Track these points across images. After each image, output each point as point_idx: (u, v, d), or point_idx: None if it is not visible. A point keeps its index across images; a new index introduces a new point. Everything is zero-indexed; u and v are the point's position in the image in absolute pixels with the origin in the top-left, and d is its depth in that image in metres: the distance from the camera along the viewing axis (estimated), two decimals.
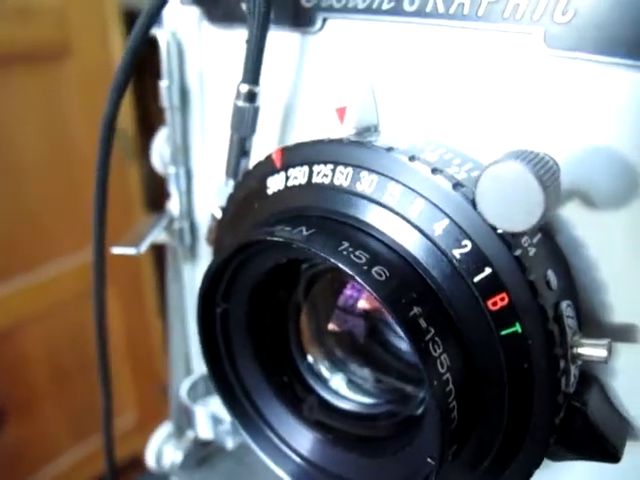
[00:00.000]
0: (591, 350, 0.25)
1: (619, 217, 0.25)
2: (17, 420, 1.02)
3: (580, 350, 0.25)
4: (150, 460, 0.47)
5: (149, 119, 1.09)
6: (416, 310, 0.23)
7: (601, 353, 0.24)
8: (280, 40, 0.31)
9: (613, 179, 0.25)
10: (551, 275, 0.25)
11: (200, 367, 0.45)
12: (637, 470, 0.28)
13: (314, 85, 0.32)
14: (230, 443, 0.39)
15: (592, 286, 0.26)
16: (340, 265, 0.23)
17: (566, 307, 0.25)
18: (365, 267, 0.23)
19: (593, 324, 0.27)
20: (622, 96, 0.24)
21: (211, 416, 0.39)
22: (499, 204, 0.21)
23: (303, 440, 0.29)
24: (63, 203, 1.00)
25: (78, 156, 0.98)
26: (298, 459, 0.29)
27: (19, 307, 1.00)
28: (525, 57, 0.25)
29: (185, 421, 0.43)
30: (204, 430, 0.40)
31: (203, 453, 0.48)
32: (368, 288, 0.22)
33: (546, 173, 0.21)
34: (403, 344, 0.31)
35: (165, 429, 0.47)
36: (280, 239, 0.24)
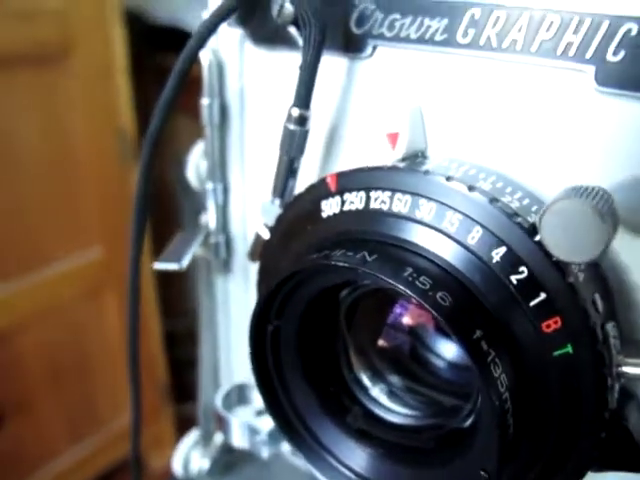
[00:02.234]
0: (634, 369, 0.26)
1: None
2: (15, 421, 1.02)
3: (624, 369, 0.26)
4: (177, 467, 0.48)
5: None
6: (478, 333, 0.24)
7: None
8: (328, 64, 0.32)
9: None
10: (598, 298, 0.26)
11: (228, 377, 0.46)
12: None
13: (361, 110, 0.33)
14: (265, 453, 0.40)
15: (632, 308, 0.28)
16: (408, 291, 0.24)
17: (611, 328, 0.26)
18: (430, 293, 0.24)
19: (633, 344, 0.28)
20: None
21: (247, 426, 0.40)
22: (563, 238, 0.22)
23: (356, 457, 0.30)
24: (62, 204, 1.00)
25: (79, 157, 0.98)
26: (352, 475, 0.30)
27: (17, 308, 0.99)
28: (576, 93, 0.26)
29: (218, 429, 0.44)
30: (239, 440, 0.41)
31: (229, 459, 0.49)
32: (435, 313, 0.24)
33: (606, 207, 0.22)
34: (441, 362, 0.32)
35: (193, 436, 0.48)
36: (346, 264, 0.25)
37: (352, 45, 0.31)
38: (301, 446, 0.31)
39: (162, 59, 1.00)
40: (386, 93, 0.32)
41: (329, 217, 0.29)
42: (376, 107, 0.32)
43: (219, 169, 0.39)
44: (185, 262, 0.37)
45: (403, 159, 0.30)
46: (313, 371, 0.32)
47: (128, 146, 0.99)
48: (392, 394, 0.34)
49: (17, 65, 0.85)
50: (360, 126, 0.33)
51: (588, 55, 0.26)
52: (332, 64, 0.32)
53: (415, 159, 0.30)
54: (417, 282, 0.25)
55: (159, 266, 0.37)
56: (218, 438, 0.48)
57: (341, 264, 0.26)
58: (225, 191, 0.40)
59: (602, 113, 0.26)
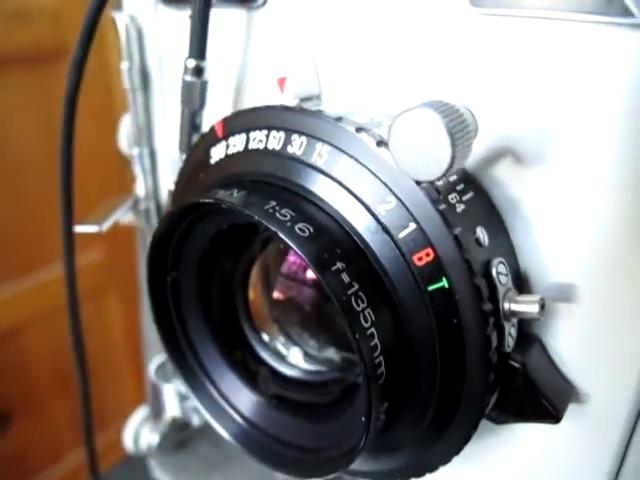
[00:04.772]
0: (523, 306, 0.25)
1: (550, 176, 0.25)
2: (22, 421, 1.02)
3: (513, 306, 0.25)
4: (128, 443, 0.48)
5: None
6: (339, 265, 0.23)
7: (533, 309, 0.24)
8: (228, 17, 0.32)
9: (541, 136, 0.25)
10: (481, 232, 0.25)
11: None
12: (580, 433, 0.27)
13: (261, 58, 0.32)
14: (196, 420, 0.40)
15: (528, 245, 0.26)
16: (263, 222, 0.23)
17: (498, 264, 0.25)
18: (288, 224, 0.23)
19: (532, 284, 0.27)
20: (544, 50, 0.24)
21: (177, 393, 0.40)
22: (410, 151, 0.21)
23: (247, 402, 0.29)
24: None
25: (77, 158, 1.00)
26: (241, 420, 0.29)
27: (23, 308, 1.01)
28: (452, 17, 0.25)
29: (155, 395, 0.43)
30: (172, 407, 0.40)
31: (180, 437, 0.49)
32: (289, 243, 0.23)
33: (455, 121, 0.21)
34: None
35: (142, 412, 0.48)
36: (210, 201, 0.25)
37: None
38: (202, 398, 0.30)
39: None
40: (282, 40, 0.31)
41: (216, 163, 0.29)
42: (274, 54, 0.31)
43: (144, 134, 0.39)
44: (105, 225, 0.37)
45: (299, 103, 0.29)
46: (216, 327, 0.32)
47: None
48: (307, 355, 0.33)
49: (13, 65, 0.87)
50: (262, 75, 0.32)
51: None
52: (230, 16, 0.32)
53: (308, 102, 0.29)
54: (277, 214, 0.24)
55: (80, 229, 0.37)
56: (166, 412, 0.48)
57: (207, 201, 0.25)
58: (152, 155, 0.40)
59: (480, 36, 0.25)
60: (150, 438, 0.47)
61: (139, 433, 0.47)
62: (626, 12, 0.22)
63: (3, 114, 0.90)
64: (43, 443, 1.08)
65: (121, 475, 0.52)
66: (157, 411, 0.48)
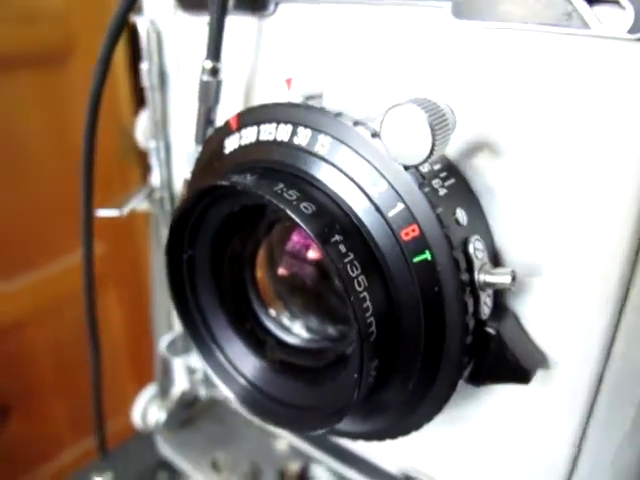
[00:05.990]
0: (497, 278, 0.28)
1: (520, 167, 0.29)
2: (21, 415, 1.02)
3: (487, 278, 0.28)
4: (137, 419, 0.51)
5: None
6: (337, 237, 0.27)
7: (505, 280, 0.28)
8: (242, 24, 0.36)
9: (514, 132, 0.28)
10: (460, 213, 0.29)
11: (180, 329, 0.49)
12: (548, 396, 0.31)
13: (270, 61, 0.36)
14: (203, 391, 0.43)
15: (502, 227, 0.30)
16: (273, 200, 0.27)
17: (474, 241, 0.29)
18: (295, 202, 0.27)
19: (506, 261, 0.30)
20: (516, 57, 0.27)
21: (186, 367, 0.43)
22: (398, 140, 0.25)
23: (252, 367, 0.33)
24: (67, 202, 1.04)
25: (79, 151, 1.02)
26: (246, 383, 0.33)
27: (23, 303, 1.00)
28: (438, 27, 0.29)
29: (164, 374, 0.47)
30: (181, 381, 0.44)
31: (186, 415, 0.52)
32: (295, 218, 0.26)
33: (435, 115, 0.25)
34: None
35: (151, 390, 0.51)
36: (227, 183, 0.29)
37: (258, 4, 0.35)
38: (209, 359, 0.34)
39: None
40: (289, 44, 0.35)
41: (230, 152, 0.33)
42: (282, 57, 0.35)
43: (161, 128, 0.43)
44: (126, 210, 0.40)
45: (303, 100, 0.33)
46: (227, 301, 0.35)
47: (129, 143, 1.03)
48: (308, 327, 0.36)
49: (20, 66, 0.88)
50: (271, 75, 0.36)
51: None
52: (244, 24, 0.36)
53: (312, 100, 0.33)
54: (285, 194, 0.27)
55: (102, 213, 0.40)
56: (175, 391, 0.51)
57: (223, 183, 0.29)
58: (167, 149, 0.43)
59: (462, 44, 0.29)
60: (158, 415, 0.51)
61: (147, 410, 0.51)
62: (584, 25, 0.26)
63: (10, 113, 0.92)
64: (42, 438, 1.09)
65: (129, 450, 0.55)
66: (165, 389, 0.51)
